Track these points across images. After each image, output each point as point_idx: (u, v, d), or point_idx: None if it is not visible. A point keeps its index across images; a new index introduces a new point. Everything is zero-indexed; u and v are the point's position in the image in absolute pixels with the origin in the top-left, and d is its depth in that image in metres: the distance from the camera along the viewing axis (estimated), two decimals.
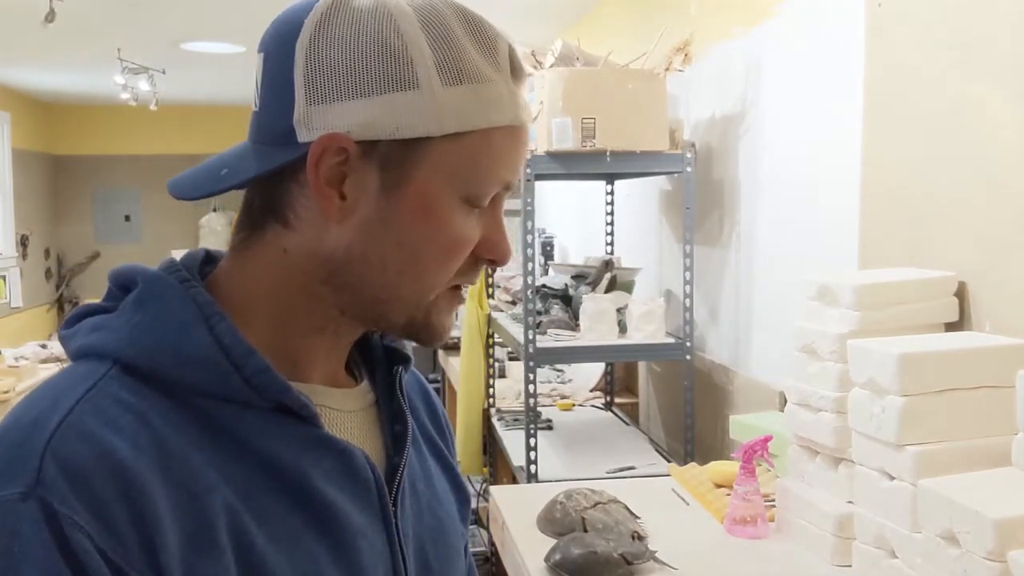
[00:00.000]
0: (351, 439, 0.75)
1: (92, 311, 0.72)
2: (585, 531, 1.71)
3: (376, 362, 0.83)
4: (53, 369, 4.71)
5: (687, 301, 2.76)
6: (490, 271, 3.86)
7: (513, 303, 3.76)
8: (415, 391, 0.91)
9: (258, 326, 0.72)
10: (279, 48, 0.70)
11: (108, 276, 0.73)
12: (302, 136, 0.69)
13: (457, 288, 0.76)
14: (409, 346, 0.85)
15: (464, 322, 3.80)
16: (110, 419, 0.62)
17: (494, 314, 3.63)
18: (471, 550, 0.97)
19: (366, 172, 0.69)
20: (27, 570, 0.55)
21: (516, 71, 0.73)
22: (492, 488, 2.21)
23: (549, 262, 4.55)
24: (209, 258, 0.77)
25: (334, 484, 0.71)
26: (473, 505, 3.56)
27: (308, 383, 0.74)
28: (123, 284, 0.72)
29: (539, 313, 2.98)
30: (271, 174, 0.70)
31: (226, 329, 0.68)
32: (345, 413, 0.77)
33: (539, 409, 3.12)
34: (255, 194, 0.73)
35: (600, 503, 1.80)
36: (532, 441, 2.70)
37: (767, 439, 1.79)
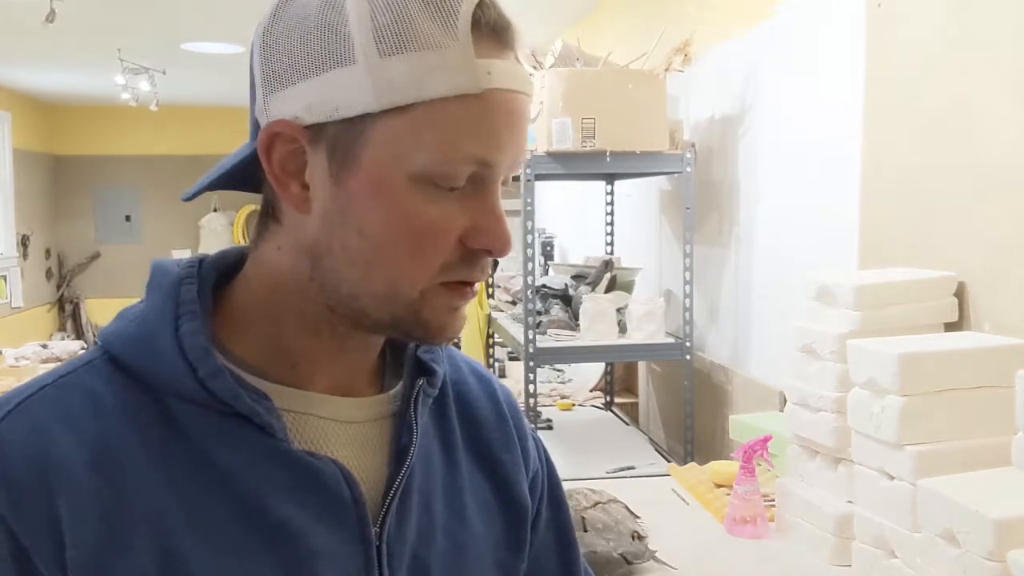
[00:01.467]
0: (342, 451, 0.70)
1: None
2: (585, 531, 1.71)
3: (408, 373, 0.78)
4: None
5: (687, 301, 2.77)
6: (489, 271, 3.86)
7: (513, 303, 3.76)
8: (480, 397, 0.84)
9: (256, 327, 0.70)
10: (253, 40, 0.69)
11: None
12: (263, 126, 0.67)
13: (455, 284, 0.68)
14: (443, 358, 0.80)
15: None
16: (64, 410, 0.63)
17: (494, 314, 3.63)
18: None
19: (318, 158, 0.66)
20: None
21: (487, 34, 0.65)
22: None
23: (549, 262, 4.55)
24: (245, 257, 0.74)
25: (293, 501, 0.66)
26: None
27: (306, 389, 0.71)
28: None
29: (539, 313, 2.98)
30: (263, 171, 0.69)
31: (189, 329, 0.66)
32: (343, 424, 0.72)
33: (539, 409, 3.13)
34: (263, 193, 0.73)
35: (600, 503, 1.80)
36: None
37: (767, 439, 1.80)
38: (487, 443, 0.82)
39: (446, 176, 0.65)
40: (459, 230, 0.66)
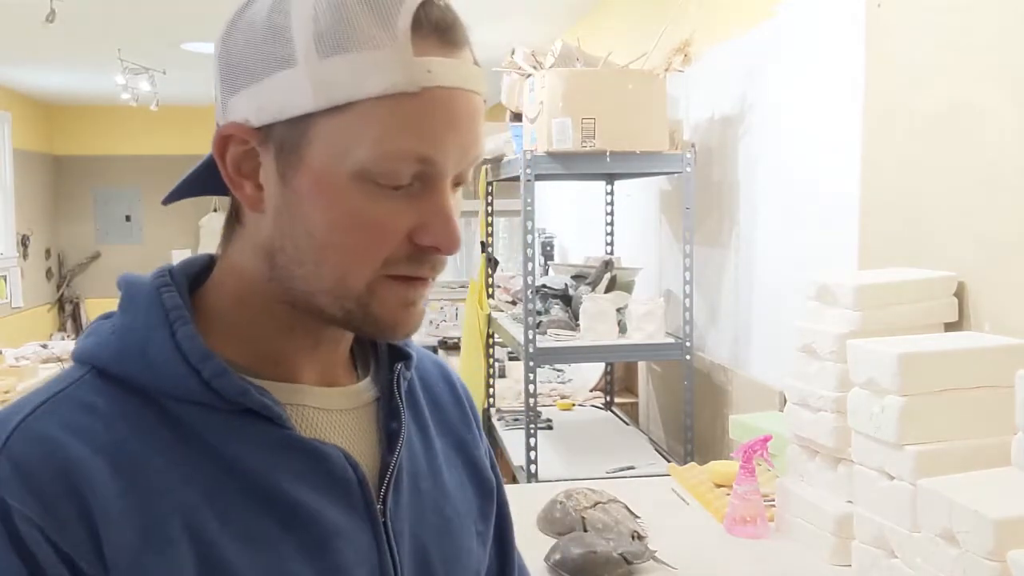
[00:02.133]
0: (338, 438, 0.73)
1: (105, 317, 0.74)
2: (585, 531, 1.72)
3: (380, 359, 0.81)
4: (54, 369, 4.71)
5: (687, 301, 2.77)
6: (489, 271, 3.86)
7: (513, 303, 3.76)
8: (438, 382, 0.88)
9: (235, 330, 0.72)
10: (215, 48, 0.72)
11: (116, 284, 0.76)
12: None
13: (402, 277, 0.69)
14: (415, 343, 0.83)
15: (464, 322, 3.80)
16: (67, 422, 0.64)
17: (494, 314, 3.63)
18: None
19: (268, 159, 0.68)
20: None
21: (430, 32, 0.65)
22: None
23: (549, 262, 4.55)
24: (213, 263, 0.76)
25: (306, 484, 0.69)
26: None
27: (295, 383, 0.73)
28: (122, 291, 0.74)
29: (539, 313, 2.98)
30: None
31: (186, 333, 0.68)
32: (334, 412, 0.75)
33: (539, 409, 3.13)
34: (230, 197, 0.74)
35: (600, 503, 1.80)
36: (532, 441, 2.70)
37: (767, 439, 1.80)
38: (451, 424, 0.87)
39: (386, 174, 0.65)
40: (406, 228, 0.67)
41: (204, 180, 0.76)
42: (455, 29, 0.67)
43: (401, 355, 0.81)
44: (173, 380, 0.67)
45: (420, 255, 0.68)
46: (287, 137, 0.66)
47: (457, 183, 0.71)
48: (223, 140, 0.68)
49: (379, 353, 0.81)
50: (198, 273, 0.75)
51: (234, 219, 0.73)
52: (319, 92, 0.64)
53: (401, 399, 0.78)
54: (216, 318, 0.72)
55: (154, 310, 0.69)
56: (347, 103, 0.64)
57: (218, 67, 0.70)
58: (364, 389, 0.79)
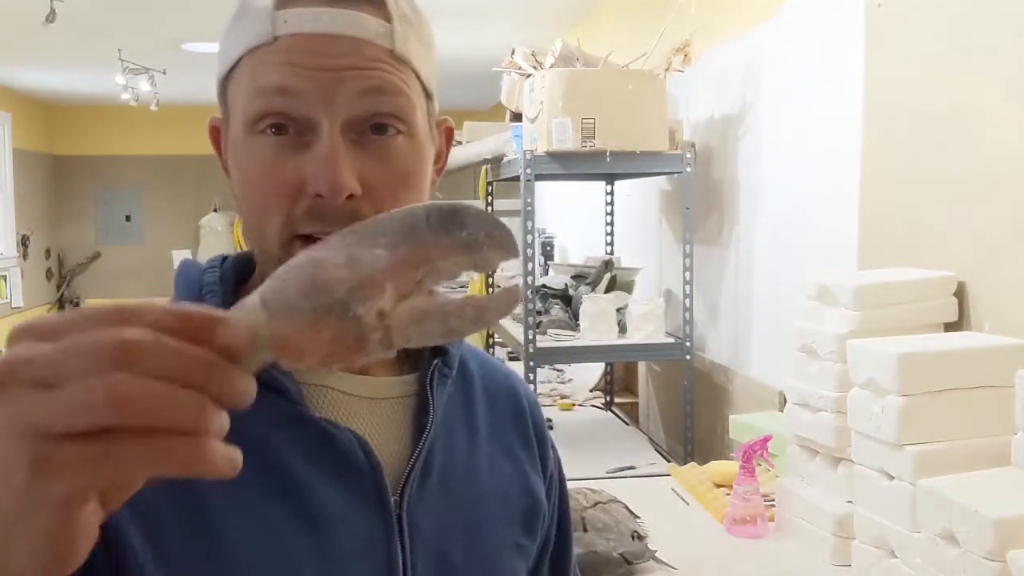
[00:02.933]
0: (358, 424, 0.73)
1: None
2: (585, 531, 1.71)
3: (425, 356, 0.81)
4: None
5: (687, 301, 2.77)
6: (490, 272, 3.86)
7: None
8: (502, 394, 0.88)
9: None
10: None
11: None
12: None
13: (308, 238, 0.68)
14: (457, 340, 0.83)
15: None
16: None
17: None
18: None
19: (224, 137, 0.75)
20: None
21: None
22: None
23: (549, 262, 4.55)
24: None
25: (309, 463, 0.70)
26: None
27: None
28: None
29: (539, 313, 2.98)
30: None
31: (212, 304, 0.71)
32: (360, 399, 0.75)
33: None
34: None
35: (600, 503, 1.80)
36: None
37: (767, 439, 1.80)
38: (505, 435, 0.86)
39: (257, 115, 0.69)
40: (296, 178, 0.68)
41: None
42: None
43: (439, 351, 0.81)
44: None
45: (318, 209, 0.68)
46: (223, 113, 0.74)
47: (362, 130, 0.69)
48: (211, 131, 0.76)
49: (424, 351, 0.81)
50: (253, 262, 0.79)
51: None
52: (222, 60, 0.72)
53: (432, 394, 0.77)
54: None
55: (194, 285, 0.74)
56: (233, 66, 0.71)
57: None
58: (401, 383, 0.78)
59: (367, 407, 0.75)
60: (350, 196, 0.67)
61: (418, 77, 0.72)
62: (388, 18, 0.70)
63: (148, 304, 0.42)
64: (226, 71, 0.72)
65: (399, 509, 0.73)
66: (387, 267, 0.47)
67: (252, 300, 0.45)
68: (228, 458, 0.43)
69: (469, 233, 0.49)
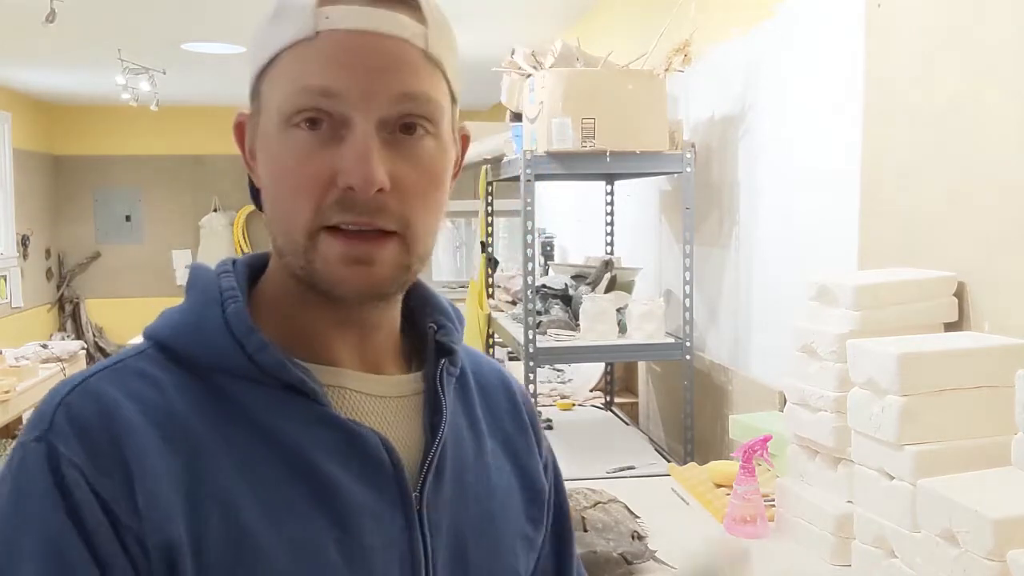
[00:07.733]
0: (376, 422, 0.76)
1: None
2: (585, 531, 1.71)
3: (429, 355, 0.83)
4: (54, 369, 4.71)
5: (687, 301, 2.77)
6: (489, 271, 3.86)
7: (513, 303, 3.76)
8: (497, 389, 0.91)
9: (278, 314, 0.76)
10: None
11: None
12: None
13: (341, 233, 0.70)
14: (458, 339, 0.85)
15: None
16: (124, 386, 0.70)
17: (494, 314, 3.63)
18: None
19: (252, 132, 0.76)
20: (28, 492, 0.65)
21: None
22: None
23: (549, 262, 4.55)
24: None
25: (336, 461, 0.71)
26: None
27: (336, 366, 0.76)
28: None
29: (539, 313, 2.98)
30: None
31: (235, 310, 0.73)
32: (375, 398, 0.77)
33: (539, 409, 3.13)
34: None
35: (600, 503, 1.80)
36: None
37: (767, 439, 1.80)
38: (504, 429, 0.89)
39: (295, 110, 0.70)
40: (328, 172, 0.69)
41: None
42: None
43: (445, 351, 0.83)
44: (220, 352, 0.71)
45: (348, 201, 0.69)
46: (254, 107, 0.75)
47: (392, 129, 0.71)
48: (236, 127, 0.76)
49: (428, 349, 0.83)
50: (263, 265, 0.80)
51: None
52: (257, 55, 0.73)
53: (443, 393, 0.80)
54: (264, 303, 0.77)
55: (211, 291, 0.75)
56: (270, 61, 0.72)
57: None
58: (410, 381, 0.81)
59: (382, 406, 0.78)
60: (379, 190, 0.69)
61: (447, 80, 0.74)
62: (423, 20, 0.72)
63: None
64: (262, 66, 0.73)
65: (419, 505, 0.75)
66: None
67: None
68: None
69: None
